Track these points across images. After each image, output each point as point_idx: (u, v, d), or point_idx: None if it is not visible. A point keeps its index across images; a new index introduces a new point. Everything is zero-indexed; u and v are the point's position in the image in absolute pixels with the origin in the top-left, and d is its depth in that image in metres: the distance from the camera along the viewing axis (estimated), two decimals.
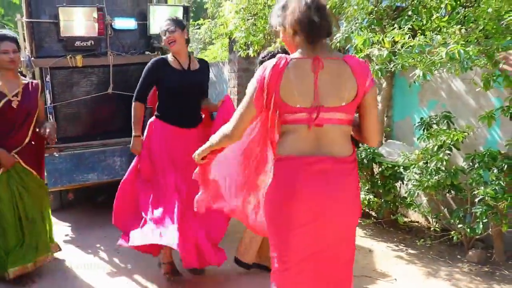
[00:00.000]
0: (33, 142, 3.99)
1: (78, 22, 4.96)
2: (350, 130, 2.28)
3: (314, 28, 2.13)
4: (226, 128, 2.37)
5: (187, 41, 4.01)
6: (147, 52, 5.54)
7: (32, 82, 4.01)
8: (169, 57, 3.94)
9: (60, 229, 5.18)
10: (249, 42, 6.77)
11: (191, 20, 12.32)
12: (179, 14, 5.33)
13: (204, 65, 4.18)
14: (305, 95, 2.12)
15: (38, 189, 4.02)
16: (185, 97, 3.91)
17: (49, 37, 5.12)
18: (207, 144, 2.56)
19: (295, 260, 2.21)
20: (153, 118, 4.00)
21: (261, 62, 4.12)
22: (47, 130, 3.85)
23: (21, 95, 3.82)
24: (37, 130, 3.96)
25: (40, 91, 4.02)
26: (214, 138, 2.48)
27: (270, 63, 2.16)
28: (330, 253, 2.26)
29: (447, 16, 4.10)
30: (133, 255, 4.20)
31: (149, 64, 3.95)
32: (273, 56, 4.08)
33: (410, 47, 3.89)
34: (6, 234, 3.77)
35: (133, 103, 3.96)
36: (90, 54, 5.16)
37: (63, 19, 4.86)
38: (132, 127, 3.95)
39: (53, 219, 5.36)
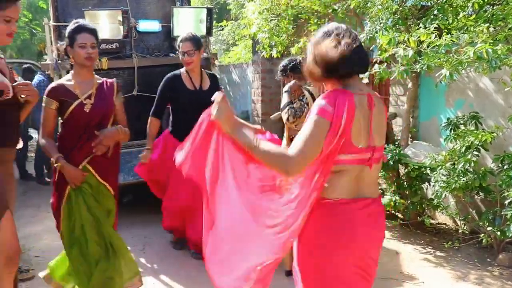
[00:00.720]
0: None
1: (103, 25, 5.04)
2: None
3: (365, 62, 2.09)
4: (285, 161, 1.93)
5: (203, 59, 4.24)
6: (171, 54, 5.58)
7: (106, 81, 3.34)
8: (183, 72, 4.12)
9: None
10: (273, 43, 6.75)
11: (214, 22, 12.39)
12: (203, 16, 5.37)
13: (214, 82, 4.38)
14: (365, 134, 2.01)
15: (112, 205, 3.38)
16: (196, 115, 3.97)
17: None
18: (249, 140, 2.05)
19: None
20: (167, 131, 4.31)
21: (284, 70, 4.14)
22: (100, 139, 3.17)
23: (95, 97, 3.21)
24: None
25: (116, 90, 3.35)
26: (265, 149, 2.00)
27: (341, 98, 1.95)
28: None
29: (474, 15, 4.03)
30: (160, 256, 4.24)
31: (163, 81, 4.21)
32: (296, 65, 4.09)
33: (436, 47, 3.83)
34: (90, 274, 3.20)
35: (149, 118, 4.26)
36: (115, 56, 5.23)
37: (89, 23, 4.93)
38: (147, 140, 4.28)
39: None
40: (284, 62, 4.20)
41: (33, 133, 8.53)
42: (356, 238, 2.03)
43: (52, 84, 3.22)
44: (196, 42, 4.06)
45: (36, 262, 4.37)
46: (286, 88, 4.03)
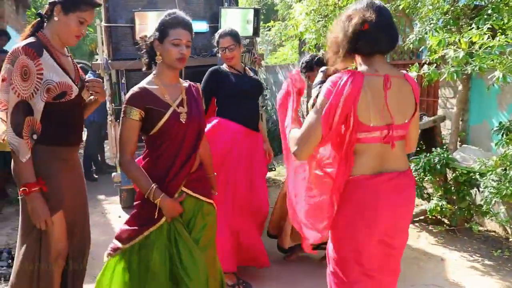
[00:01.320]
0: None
1: (152, 26, 5.11)
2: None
3: (384, 42, 2.14)
4: (291, 145, 2.23)
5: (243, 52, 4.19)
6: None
7: (192, 85, 2.77)
8: (224, 66, 4.04)
9: None
10: (320, 44, 6.72)
11: (261, 23, 12.42)
12: (250, 17, 5.39)
13: (255, 73, 4.34)
14: (378, 113, 2.09)
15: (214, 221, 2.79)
16: (244, 99, 3.96)
17: (125, 40, 5.34)
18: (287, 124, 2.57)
19: (371, 269, 2.22)
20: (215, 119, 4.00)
21: (309, 65, 4.13)
22: None
23: (187, 104, 2.61)
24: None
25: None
26: (289, 135, 2.43)
27: (345, 79, 2.05)
28: (394, 258, 2.32)
29: None
30: None
31: (206, 74, 4.05)
32: (321, 59, 4.08)
33: (489, 48, 3.71)
34: None
35: None
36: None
37: (138, 23, 5.04)
38: None
39: (126, 216, 5.59)
40: (307, 58, 4.23)
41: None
42: (379, 213, 2.13)
43: (134, 89, 2.53)
44: (236, 36, 3.99)
45: None
46: (322, 68, 4.01)
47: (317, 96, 3.86)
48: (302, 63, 4.29)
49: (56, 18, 2.52)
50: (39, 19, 2.60)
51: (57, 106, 2.55)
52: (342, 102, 2.02)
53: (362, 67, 2.14)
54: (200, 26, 5.58)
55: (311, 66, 4.17)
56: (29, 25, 2.64)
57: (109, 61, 5.25)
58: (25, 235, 2.61)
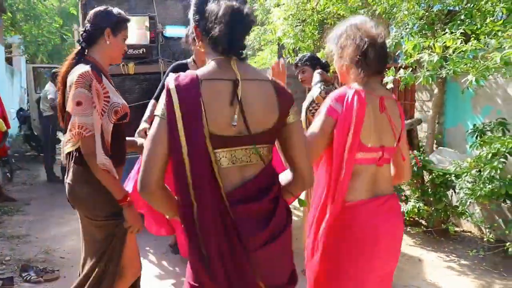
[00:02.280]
0: None
1: (130, 31, 5.10)
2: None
3: (383, 62, 2.12)
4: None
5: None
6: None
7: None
8: (190, 61, 4.02)
9: None
10: (298, 48, 6.77)
11: None
12: None
13: None
14: (373, 134, 2.05)
15: None
16: None
17: None
18: None
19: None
20: None
21: (311, 61, 4.18)
22: None
23: None
24: None
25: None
26: None
27: (351, 94, 1.99)
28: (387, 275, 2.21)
29: (502, 20, 3.97)
30: (181, 259, 4.28)
31: (169, 68, 3.99)
32: (313, 56, 4.17)
33: (462, 52, 3.79)
34: None
35: (152, 101, 4.12)
36: (141, 61, 5.32)
37: None
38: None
39: None
40: (299, 56, 4.34)
41: (61, 136, 8.70)
42: (379, 235, 2.04)
43: None
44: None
45: (62, 263, 4.46)
46: (318, 70, 4.09)
47: (320, 93, 3.92)
48: (304, 56, 4.32)
49: (108, 42, 2.61)
50: (81, 46, 2.64)
51: (119, 127, 2.61)
52: (355, 118, 1.96)
53: (357, 86, 2.06)
54: (179, 31, 5.59)
55: (312, 62, 4.25)
56: (72, 53, 2.67)
57: None
58: (97, 259, 2.64)
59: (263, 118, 1.67)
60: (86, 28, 2.63)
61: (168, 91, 1.58)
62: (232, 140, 1.62)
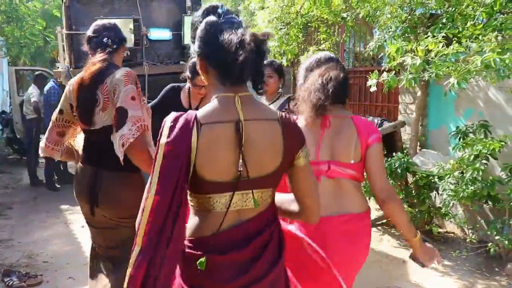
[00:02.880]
0: None
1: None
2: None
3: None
4: None
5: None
6: (181, 62, 5.64)
7: None
8: (185, 88, 3.88)
9: None
10: (282, 51, 6.80)
11: None
12: None
13: None
14: (321, 148, 2.25)
15: None
16: None
17: None
18: None
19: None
20: None
21: (281, 75, 4.13)
22: None
23: None
24: None
25: None
26: None
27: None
28: None
29: (482, 24, 4.03)
30: None
31: (166, 89, 3.96)
32: (281, 69, 4.12)
33: (444, 56, 3.84)
34: None
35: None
36: (126, 64, 5.28)
37: None
38: None
39: None
40: (270, 60, 4.20)
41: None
42: (330, 259, 2.13)
43: None
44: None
45: (45, 267, 4.41)
46: (292, 96, 4.05)
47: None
48: (276, 62, 4.20)
49: (124, 53, 2.93)
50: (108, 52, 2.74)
51: None
52: None
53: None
54: (163, 34, 5.59)
55: (280, 73, 4.12)
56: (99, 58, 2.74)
57: (71, 69, 5.19)
58: None
59: (264, 162, 1.58)
60: (111, 37, 2.77)
61: (163, 126, 1.54)
62: (228, 185, 1.55)
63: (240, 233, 1.59)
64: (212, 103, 1.58)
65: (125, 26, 5.15)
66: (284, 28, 6.79)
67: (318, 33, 7.24)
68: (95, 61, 2.68)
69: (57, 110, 2.83)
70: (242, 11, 10.39)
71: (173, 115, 1.56)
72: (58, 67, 6.57)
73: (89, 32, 2.83)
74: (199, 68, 1.66)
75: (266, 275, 1.61)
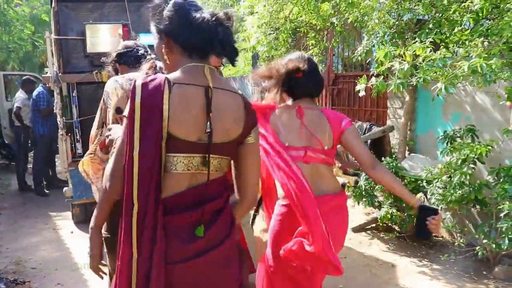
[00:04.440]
0: None
1: (103, 39, 5.10)
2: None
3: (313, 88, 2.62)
4: None
5: None
6: None
7: None
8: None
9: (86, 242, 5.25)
10: (271, 56, 6.82)
11: None
12: None
13: None
14: (293, 135, 2.55)
15: None
16: None
17: (76, 53, 5.27)
18: None
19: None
20: None
21: None
22: None
23: None
24: None
25: None
26: None
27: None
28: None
29: (469, 29, 4.07)
30: None
31: None
32: None
33: (432, 61, 3.87)
34: None
35: None
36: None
37: (90, 36, 5.00)
38: None
39: (79, 231, 5.48)
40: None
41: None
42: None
43: None
44: None
45: (33, 273, 4.38)
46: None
47: None
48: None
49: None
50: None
51: None
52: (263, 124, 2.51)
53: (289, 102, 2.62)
54: (153, 39, 5.56)
55: None
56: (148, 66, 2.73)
57: (60, 74, 5.17)
58: None
59: (228, 130, 1.68)
60: (145, 50, 2.88)
61: (134, 87, 1.59)
62: (192, 146, 1.62)
63: (195, 195, 1.66)
64: (181, 70, 1.67)
65: (114, 31, 5.14)
66: (273, 33, 6.82)
67: (307, 38, 7.27)
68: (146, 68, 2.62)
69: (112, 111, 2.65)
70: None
71: (142, 77, 1.63)
72: (46, 72, 6.54)
73: (121, 48, 2.91)
74: (163, 47, 1.72)
75: (223, 242, 1.69)
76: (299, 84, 2.54)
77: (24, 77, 8.65)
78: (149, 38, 5.95)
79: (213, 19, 1.65)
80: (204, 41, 1.65)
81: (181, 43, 1.67)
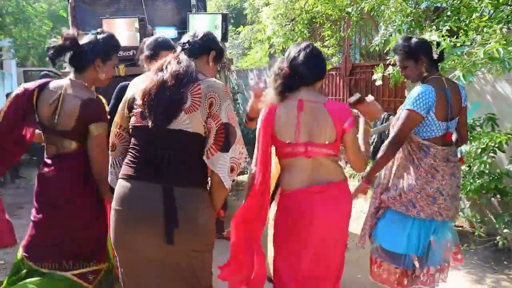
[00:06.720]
0: None
1: (120, 33, 5.12)
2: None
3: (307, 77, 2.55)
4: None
5: None
6: None
7: None
8: None
9: None
10: (287, 47, 6.81)
11: (232, 27, 12.45)
12: (218, 22, 5.43)
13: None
14: (291, 132, 2.51)
15: None
16: None
17: None
18: None
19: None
20: None
21: None
22: None
23: None
24: None
25: None
26: None
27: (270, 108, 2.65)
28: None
29: (488, 16, 4.00)
30: None
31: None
32: None
33: (450, 49, 3.81)
34: None
35: None
36: (132, 63, 5.31)
37: (106, 30, 5.03)
38: None
39: None
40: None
41: None
42: (314, 220, 2.45)
43: None
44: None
45: None
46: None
47: None
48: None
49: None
50: None
51: None
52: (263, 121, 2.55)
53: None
54: (169, 32, 5.59)
55: None
56: None
57: None
58: None
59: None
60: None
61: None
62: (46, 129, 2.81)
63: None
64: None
65: (131, 25, 5.16)
66: (289, 24, 6.79)
67: (323, 29, 7.23)
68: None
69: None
70: (247, 7, 10.40)
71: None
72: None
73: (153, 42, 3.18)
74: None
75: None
76: (292, 79, 2.51)
77: (42, 73, 8.74)
78: (165, 31, 5.99)
79: None
80: None
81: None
